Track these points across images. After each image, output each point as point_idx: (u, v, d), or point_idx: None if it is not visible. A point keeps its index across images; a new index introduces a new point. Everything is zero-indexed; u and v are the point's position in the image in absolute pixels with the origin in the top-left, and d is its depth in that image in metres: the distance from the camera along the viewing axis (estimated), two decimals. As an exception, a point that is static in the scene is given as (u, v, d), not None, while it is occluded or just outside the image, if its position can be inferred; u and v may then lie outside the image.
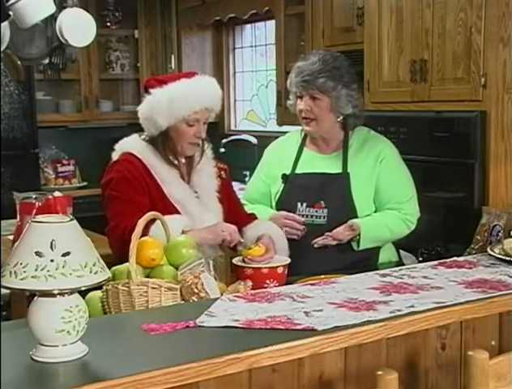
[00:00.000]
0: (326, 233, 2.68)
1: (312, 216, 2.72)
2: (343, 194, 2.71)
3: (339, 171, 2.75)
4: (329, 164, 2.78)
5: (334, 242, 2.69)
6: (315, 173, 2.78)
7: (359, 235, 2.68)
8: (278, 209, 2.80)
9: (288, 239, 2.66)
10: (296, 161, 2.82)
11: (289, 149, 2.87)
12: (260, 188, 2.90)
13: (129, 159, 2.51)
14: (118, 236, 2.34)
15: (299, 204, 2.74)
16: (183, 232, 2.36)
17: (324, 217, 2.71)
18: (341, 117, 2.75)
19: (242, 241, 2.49)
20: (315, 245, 2.69)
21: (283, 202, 2.79)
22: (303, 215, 2.73)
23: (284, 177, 2.79)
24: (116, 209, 2.43)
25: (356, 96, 2.77)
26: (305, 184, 2.76)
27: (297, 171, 2.81)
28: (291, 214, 2.73)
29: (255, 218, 2.70)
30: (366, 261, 2.72)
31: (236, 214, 2.66)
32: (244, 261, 2.45)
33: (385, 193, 2.74)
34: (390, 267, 2.46)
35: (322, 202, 2.71)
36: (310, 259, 2.67)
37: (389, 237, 2.77)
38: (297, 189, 2.76)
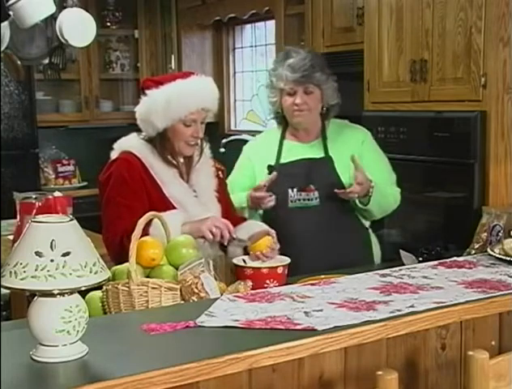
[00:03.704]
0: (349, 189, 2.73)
1: (305, 200, 2.82)
2: (330, 175, 2.82)
3: (322, 155, 2.87)
4: (311, 151, 2.89)
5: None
6: (300, 159, 2.87)
7: (369, 196, 2.76)
8: None
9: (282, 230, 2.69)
10: (279, 152, 2.91)
11: (270, 143, 2.96)
12: (242, 183, 2.90)
13: (128, 158, 2.51)
14: (116, 243, 2.34)
15: (290, 190, 2.82)
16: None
17: (316, 199, 2.81)
18: (325, 108, 2.89)
19: (234, 237, 2.46)
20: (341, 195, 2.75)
21: (274, 190, 2.81)
22: (296, 200, 2.81)
23: (270, 167, 2.86)
24: (113, 214, 2.43)
25: (338, 88, 2.91)
26: (292, 171, 2.85)
27: (282, 161, 2.90)
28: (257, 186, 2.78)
29: (246, 219, 2.71)
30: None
31: (228, 215, 2.66)
32: (244, 261, 2.45)
33: (371, 172, 2.82)
34: (389, 266, 2.46)
35: (312, 185, 2.81)
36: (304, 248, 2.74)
37: (388, 206, 2.89)
38: (286, 176, 2.82)
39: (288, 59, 2.82)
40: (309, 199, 2.81)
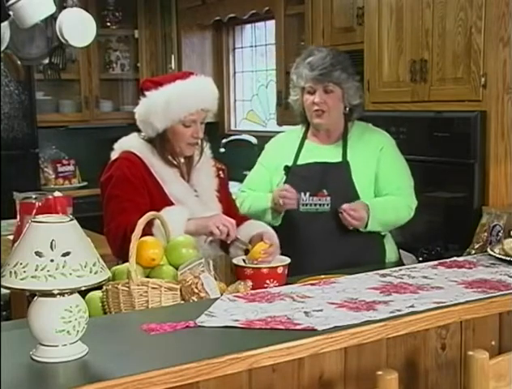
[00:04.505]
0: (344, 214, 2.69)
1: (315, 205, 2.77)
2: (344, 182, 2.77)
3: (339, 160, 2.82)
4: (329, 154, 2.84)
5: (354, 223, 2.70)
6: (316, 162, 2.83)
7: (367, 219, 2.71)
8: None
9: (291, 231, 2.70)
10: (297, 153, 2.88)
11: (291, 142, 2.93)
12: (261, 177, 2.93)
13: (129, 157, 2.51)
14: (120, 235, 2.33)
15: (302, 194, 2.78)
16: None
17: (327, 205, 2.76)
18: (347, 109, 2.84)
19: (239, 237, 2.48)
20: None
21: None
22: (306, 204, 2.77)
23: (286, 168, 2.84)
24: (116, 208, 2.43)
25: (361, 87, 2.89)
26: (306, 174, 2.81)
27: (299, 162, 2.87)
28: (283, 186, 2.76)
29: (248, 219, 2.71)
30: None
31: (230, 214, 2.66)
32: (244, 261, 2.45)
33: (385, 179, 2.80)
34: (390, 267, 2.46)
35: (325, 190, 2.77)
36: (315, 251, 2.73)
37: (394, 221, 2.83)
38: (299, 179, 2.79)
39: (309, 57, 2.81)
40: (320, 204, 2.76)
